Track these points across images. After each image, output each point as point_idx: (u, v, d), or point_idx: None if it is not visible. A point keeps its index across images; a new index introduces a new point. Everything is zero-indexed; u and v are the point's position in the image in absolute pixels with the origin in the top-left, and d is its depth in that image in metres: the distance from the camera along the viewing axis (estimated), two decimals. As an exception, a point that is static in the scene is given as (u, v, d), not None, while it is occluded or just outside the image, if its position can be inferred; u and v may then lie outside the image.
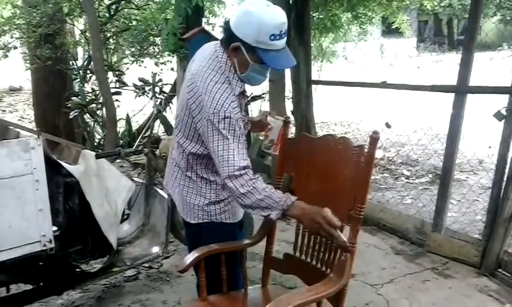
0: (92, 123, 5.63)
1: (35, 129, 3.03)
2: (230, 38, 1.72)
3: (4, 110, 8.18)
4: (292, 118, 4.76)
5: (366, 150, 1.61)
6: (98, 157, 2.61)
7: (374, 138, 1.57)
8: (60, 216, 2.34)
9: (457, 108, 3.14)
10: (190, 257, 1.81)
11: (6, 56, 5.27)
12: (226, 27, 1.74)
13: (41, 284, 2.53)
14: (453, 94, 3.19)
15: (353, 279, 2.91)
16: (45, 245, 2.11)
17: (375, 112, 7.90)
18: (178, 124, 1.86)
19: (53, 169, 2.25)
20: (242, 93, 1.80)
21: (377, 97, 7.43)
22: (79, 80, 4.81)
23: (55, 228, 2.35)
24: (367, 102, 8.58)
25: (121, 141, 5.84)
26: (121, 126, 6.41)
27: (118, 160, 4.20)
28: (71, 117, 4.40)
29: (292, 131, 5.02)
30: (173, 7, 4.49)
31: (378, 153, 6.31)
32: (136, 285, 2.99)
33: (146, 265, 3.15)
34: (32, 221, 2.06)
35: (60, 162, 2.32)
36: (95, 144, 5.73)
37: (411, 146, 5.98)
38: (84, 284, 2.77)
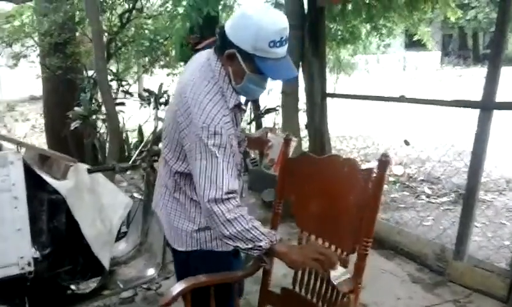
0: (104, 133, 5.51)
1: (21, 141, 2.90)
2: (224, 45, 1.53)
3: (16, 120, 8.21)
4: (304, 132, 4.57)
5: (374, 175, 1.40)
6: (90, 171, 2.46)
7: (384, 162, 1.36)
8: (44, 236, 2.18)
9: (483, 125, 2.88)
10: (176, 289, 1.62)
11: (16, 65, 5.24)
12: (221, 32, 1.56)
13: (27, 306, 2.37)
14: (477, 110, 2.94)
15: (365, 310, 2.67)
16: (23, 268, 1.95)
17: (395, 126, 7.62)
18: (165, 139, 1.67)
19: (36, 185, 2.09)
20: (238, 106, 1.61)
21: (398, 111, 7.17)
22: (88, 89, 4.71)
23: (44, 249, 2.20)
24: (386, 115, 8.30)
25: (132, 152, 5.71)
26: (134, 137, 6.31)
27: (128, 172, 4.06)
28: (72, 128, 4.27)
29: (305, 146, 4.82)
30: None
31: (398, 170, 6.04)
32: (130, 309, 2.80)
33: (144, 285, 2.97)
34: (10, 242, 1.90)
35: (44, 177, 2.16)
36: (106, 155, 5.61)
37: (432, 163, 5.69)
38: (75, 306, 2.60)
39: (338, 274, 1.35)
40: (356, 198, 1.45)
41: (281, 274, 1.81)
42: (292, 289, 1.66)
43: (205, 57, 1.62)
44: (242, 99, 1.65)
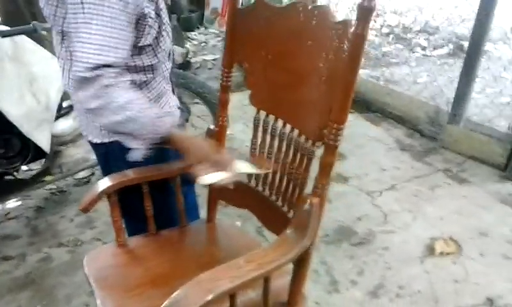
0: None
1: None
2: None
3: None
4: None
5: (352, 29, 0.93)
6: (4, 35, 1.95)
7: (366, 8, 0.88)
8: None
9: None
10: (97, 189, 1.27)
11: None
12: None
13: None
14: None
15: (346, 184, 2.38)
16: None
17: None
18: None
19: None
20: None
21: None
22: None
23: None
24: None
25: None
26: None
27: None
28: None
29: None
30: None
31: (393, 19, 5.44)
32: (85, 191, 2.49)
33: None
34: None
35: None
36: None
37: (431, 11, 5.08)
38: (18, 192, 2.31)
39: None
40: (327, 64, 1.01)
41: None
42: (247, 183, 1.30)
43: None
44: None
